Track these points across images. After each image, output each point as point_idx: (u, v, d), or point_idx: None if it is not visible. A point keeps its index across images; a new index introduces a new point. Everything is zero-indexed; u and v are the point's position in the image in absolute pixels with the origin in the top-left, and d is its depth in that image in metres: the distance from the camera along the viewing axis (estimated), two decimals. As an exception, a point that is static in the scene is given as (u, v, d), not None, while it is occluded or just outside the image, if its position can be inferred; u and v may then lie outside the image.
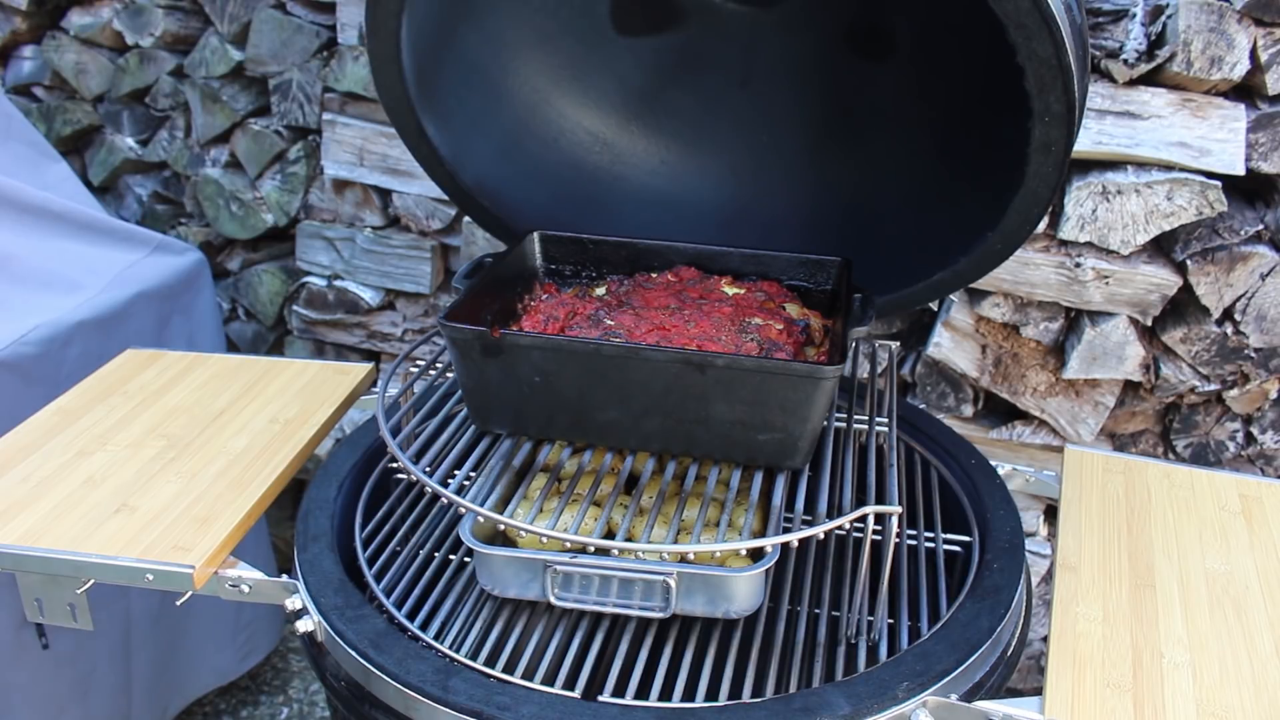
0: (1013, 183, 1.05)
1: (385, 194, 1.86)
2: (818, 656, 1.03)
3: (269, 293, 2.04)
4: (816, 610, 1.09)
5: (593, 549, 0.97)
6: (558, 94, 1.37)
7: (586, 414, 1.05)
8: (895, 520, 0.96)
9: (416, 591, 1.09)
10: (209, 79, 1.91)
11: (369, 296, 1.93)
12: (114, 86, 2.02)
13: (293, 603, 1.03)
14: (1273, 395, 1.56)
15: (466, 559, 1.15)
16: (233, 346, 2.13)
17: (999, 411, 1.70)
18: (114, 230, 1.79)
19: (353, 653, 0.95)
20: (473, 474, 1.07)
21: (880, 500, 0.97)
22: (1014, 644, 1.04)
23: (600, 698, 0.91)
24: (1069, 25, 0.93)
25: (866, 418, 1.19)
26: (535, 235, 1.28)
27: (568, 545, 0.95)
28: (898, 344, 1.35)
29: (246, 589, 1.06)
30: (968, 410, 1.67)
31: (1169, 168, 1.41)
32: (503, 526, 0.98)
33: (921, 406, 1.62)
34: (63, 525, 1.07)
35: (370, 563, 1.11)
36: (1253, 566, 1.09)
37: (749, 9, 1.30)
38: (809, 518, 1.05)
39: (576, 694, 0.92)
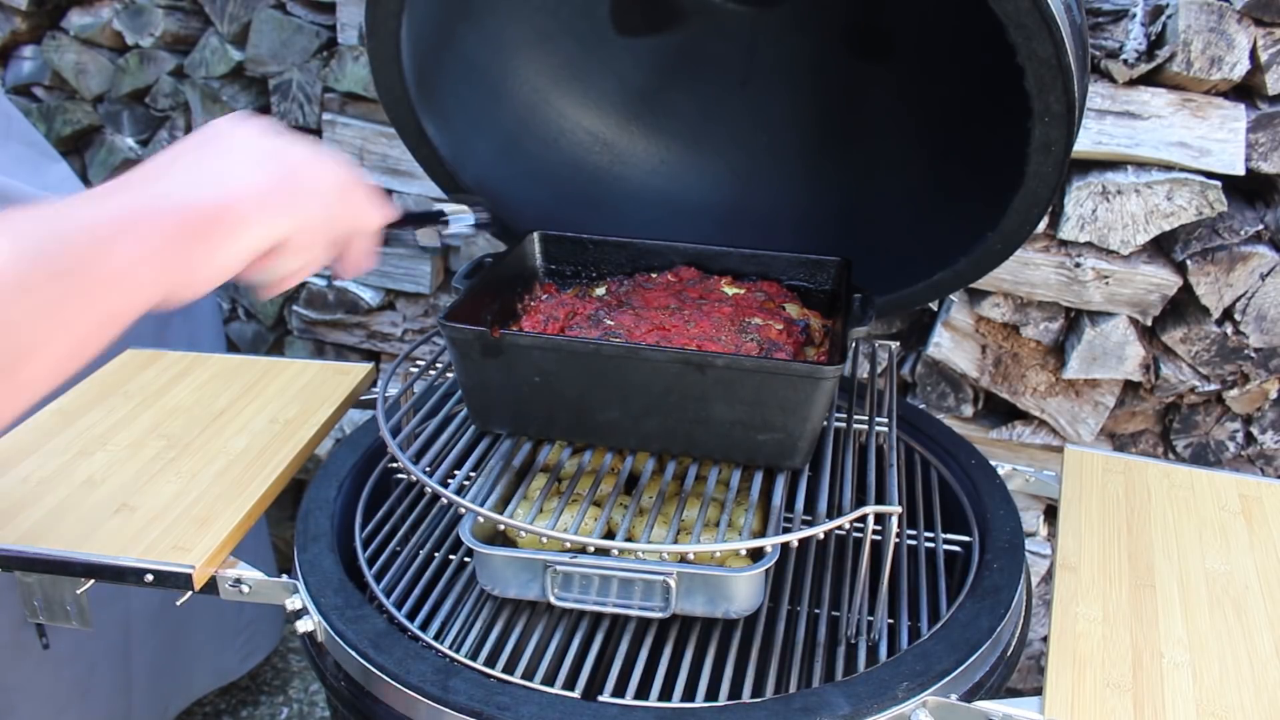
0: (1013, 183, 1.05)
1: (385, 194, 1.86)
2: (818, 656, 1.03)
3: (269, 293, 2.04)
4: (816, 610, 1.09)
5: (593, 549, 0.97)
6: (558, 94, 1.37)
7: (586, 414, 1.05)
8: (895, 520, 0.96)
9: (416, 591, 1.09)
10: (209, 79, 1.91)
11: (369, 296, 1.93)
12: (114, 86, 2.02)
13: (293, 603, 1.03)
14: (1273, 395, 1.56)
15: (466, 559, 1.15)
16: (233, 346, 2.13)
17: (999, 411, 1.70)
18: (114, 230, 1.78)
19: (353, 653, 0.95)
20: (473, 474, 1.07)
21: (880, 500, 0.97)
22: (1014, 644, 1.04)
23: (600, 698, 0.91)
24: (1069, 25, 0.93)
25: (866, 418, 1.19)
26: (535, 235, 1.28)
27: (568, 545, 0.95)
28: (898, 344, 1.35)
29: (246, 589, 1.06)
30: (968, 410, 1.67)
31: (1169, 168, 1.41)
32: (503, 526, 0.98)
33: (921, 406, 1.62)
34: (63, 525, 1.07)
35: (370, 563, 1.11)
36: (1253, 566, 1.09)
37: (749, 9, 1.30)
38: (809, 518, 1.05)
39: (576, 694, 0.92)
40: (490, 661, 0.97)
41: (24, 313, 0.52)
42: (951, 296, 1.60)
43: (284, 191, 0.68)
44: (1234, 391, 1.54)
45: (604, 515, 1.01)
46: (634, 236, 1.28)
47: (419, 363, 1.26)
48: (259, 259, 0.68)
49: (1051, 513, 1.70)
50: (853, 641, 1.03)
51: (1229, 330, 1.48)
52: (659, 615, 0.97)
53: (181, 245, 0.61)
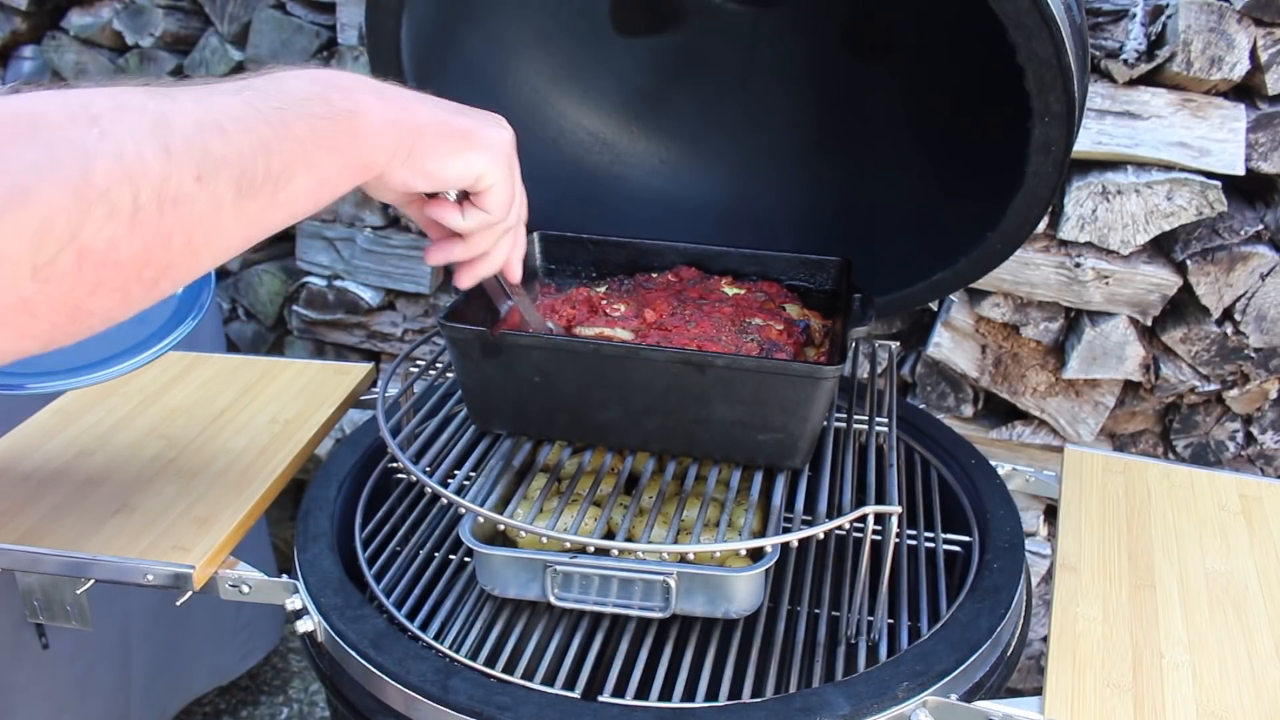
0: (1013, 183, 1.05)
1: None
2: (818, 656, 1.03)
3: (269, 293, 2.04)
4: (816, 610, 1.09)
5: (593, 549, 0.97)
6: (558, 94, 1.37)
7: (586, 414, 1.05)
8: (895, 520, 0.96)
9: (416, 591, 1.09)
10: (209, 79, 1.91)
11: (369, 296, 1.93)
12: (114, 86, 2.02)
13: (293, 603, 1.03)
14: (1273, 395, 1.56)
15: (466, 559, 1.15)
16: (233, 346, 2.13)
17: (999, 411, 1.70)
18: (114, 230, 1.78)
19: (353, 653, 0.95)
20: (473, 474, 1.07)
21: (880, 500, 0.97)
22: (1014, 644, 1.04)
23: (600, 698, 0.91)
24: (1069, 25, 0.93)
25: (866, 418, 1.19)
26: (535, 235, 1.28)
27: (568, 545, 0.95)
28: (898, 344, 1.35)
29: (246, 589, 1.06)
30: (968, 410, 1.67)
31: (1169, 168, 1.41)
32: (503, 526, 0.98)
33: (921, 406, 1.62)
34: (63, 525, 1.07)
35: (370, 563, 1.11)
36: (1253, 566, 1.09)
37: (749, 9, 1.30)
38: (809, 518, 1.05)
39: (576, 694, 0.92)
40: (490, 661, 0.97)
41: (283, 143, 0.60)
42: (951, 296, 1.60)
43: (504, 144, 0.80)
44: (1234, 391, 1.54)
45: (604, 515, 1.01)
46: (634, 236, 1.28)
47: (419, 363, 1.26)
48: (466, 193, 0.80)
49: (1051, 513, 1.70)
50: (853, 641, 1.03)
51: (1229, 330, 1.48)
52: (659, 615, 0.97)
53: (428, 140, 0.73)
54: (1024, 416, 1.67)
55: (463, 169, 0.76)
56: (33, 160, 0.47)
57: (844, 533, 1.17)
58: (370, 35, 1.13)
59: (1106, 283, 1.49)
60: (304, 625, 1.01)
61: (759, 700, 0.90)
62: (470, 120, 0.76)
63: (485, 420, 1.11)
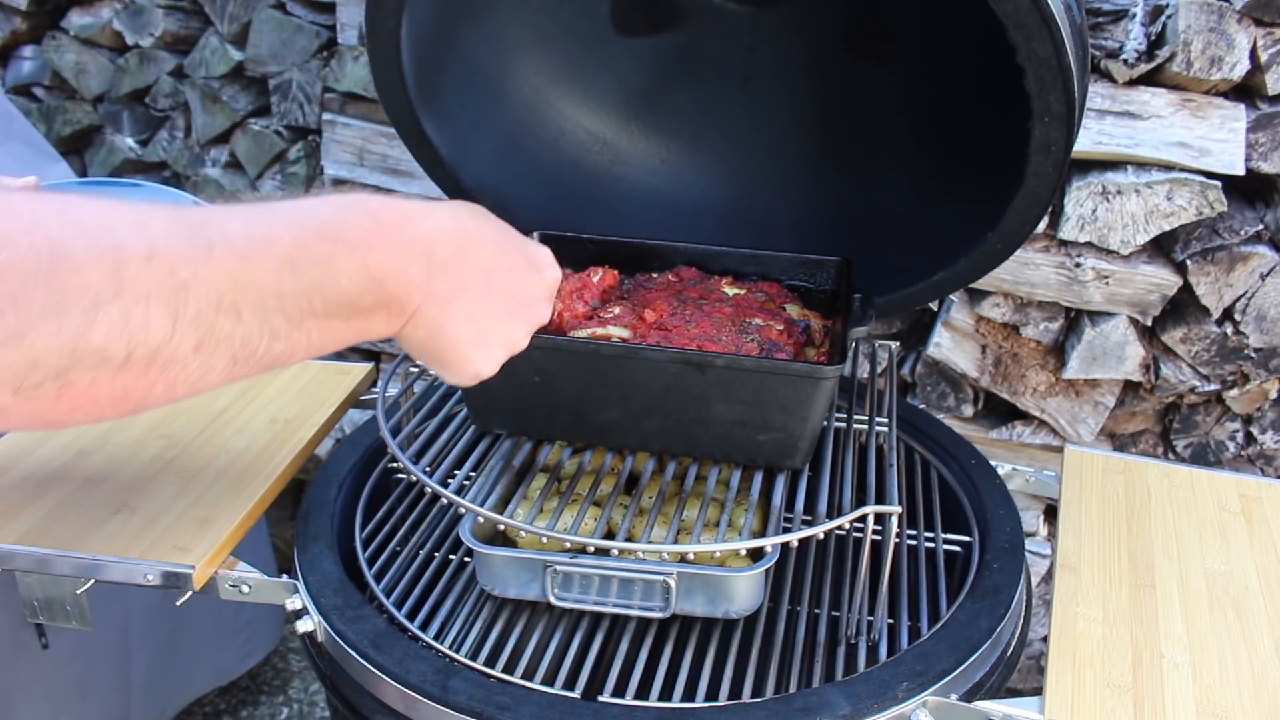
0: (1013, 183, 1.05)
1: (386, 194, 1.86)
2: (818, 656, 1.03)
3: (269, 293, 2.03)
4: (816, 610, 1.09)
5: (592, 549, 0.97)
6: (558, 94, 1.37)
7: (586, 414, 1.05)
8: (895, 520, 0.96)
9: (416, 591, 1.09)
10: (209, 79, 1.91)
11: (369, 296, 1.93)
12: (114, 86, 2.02)
13: (293, 603, 1.03)
14: (1273, 395, 1.56)
15: (466, 559, 1.15)
16: (233, 346, 2.12)
17: (999, 411, 1.70)
18: (114, 230, 1.78)
19: (353, 653, 0.95)
20: (473, 474, 1.07)
21: (880, 500, 0.97)
22: (1014, 644, 1.04)
23: (600, 698, 0.91)
24: (1069, 25, 0.93)
25: (866, 418, 1.19)
26: (535, 235, 1.27)
27: (568, 545, 0.95)
28: (898, 344, 1.35)
29: (246, 589, 1.06)
30: (968, 410, 1.67)
31: (1169, 168, 1.41)
32: (503, 526, 0.98)
33: (921, 406, 1.62)
34: (63, 525, 1.07)
35: (370, 563, 1.11)
36: (1253, 566, 1.09)
37: (749, 9, 1.30)
38: (809, 518, 1.05)
39: (576, 694, 0.92)
40: (490, 661, 0.97)
41: (293, 333, 0.60)
42: (951, 296, 1.60)
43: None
44: (1234, 391, 1.54)
45: (604, 515, 1.02)
46: (634, 236, 1.28)
47: (419, 362, 1.26)
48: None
49: (1051, 513, 1.70)
50: (853, 641, 1.03)
51: (1229, 330, 1.48)
52: (659, 615, 0.97)
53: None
54: (1024, 416, 1.67)
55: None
56: (41, 302, 0.48)
57: (844, 533, 1.17)
58: (370, 35, 1.13)
59: (1106, 283, 1.49)
60: (304, 625, 1.01)
61: (759, 700, 0.90)
62: (464, 353, 0.75)
63: (485, 420, 1.11)
